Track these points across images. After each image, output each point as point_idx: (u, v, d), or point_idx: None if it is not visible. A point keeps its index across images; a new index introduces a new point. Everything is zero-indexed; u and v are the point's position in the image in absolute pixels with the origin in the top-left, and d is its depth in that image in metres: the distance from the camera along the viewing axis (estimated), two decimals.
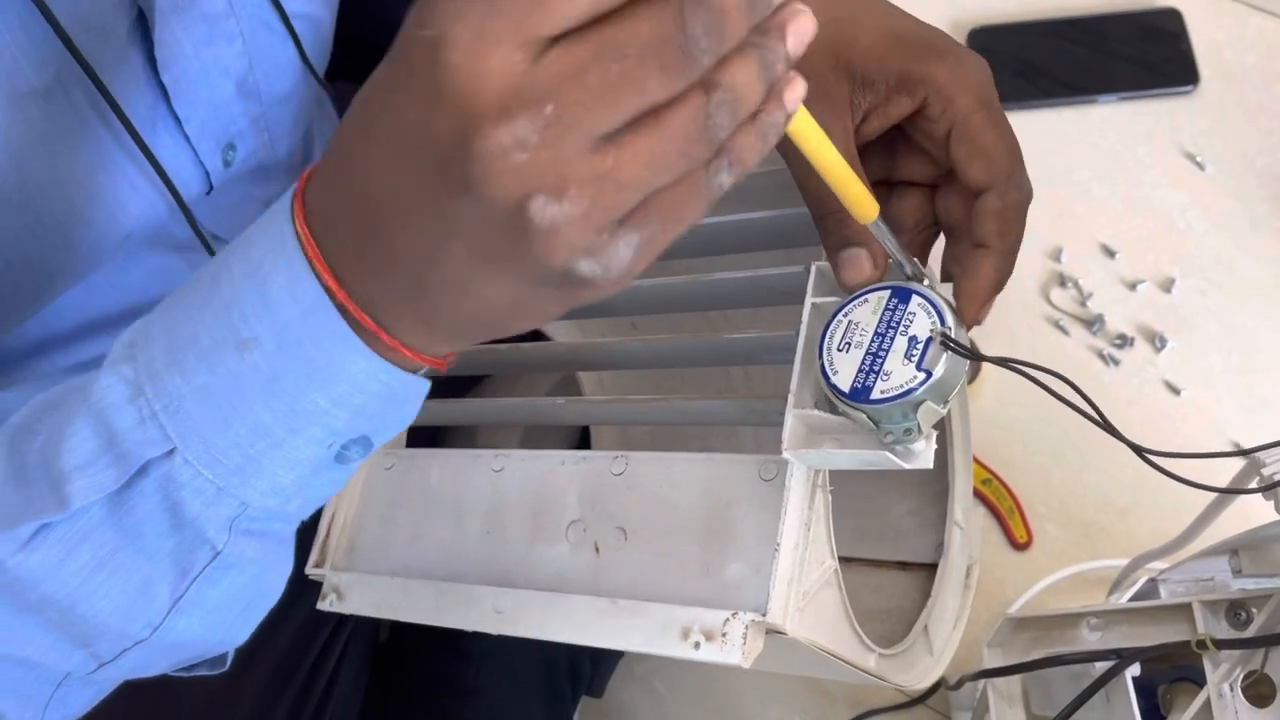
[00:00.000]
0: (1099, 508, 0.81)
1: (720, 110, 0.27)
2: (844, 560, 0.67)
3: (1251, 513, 0.55)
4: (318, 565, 0.55)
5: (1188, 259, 0.87)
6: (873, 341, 0.40)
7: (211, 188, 0.53)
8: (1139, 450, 0.40)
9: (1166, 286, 0.87)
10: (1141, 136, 0.92)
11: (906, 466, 0.39)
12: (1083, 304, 0.87)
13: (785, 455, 0.41)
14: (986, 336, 0.85)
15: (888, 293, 0.41)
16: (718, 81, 0.27)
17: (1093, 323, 0.86)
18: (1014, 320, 0.87)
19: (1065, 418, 0.78)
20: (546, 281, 0.29)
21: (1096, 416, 0.40)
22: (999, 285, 0.42)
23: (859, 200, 0.36)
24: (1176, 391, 0.83)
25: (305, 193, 0.33)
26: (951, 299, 0.41)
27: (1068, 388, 0.40)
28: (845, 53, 0.43)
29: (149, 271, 0.54)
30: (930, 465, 0.39)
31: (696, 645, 0.42)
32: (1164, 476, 0.42)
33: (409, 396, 0.35)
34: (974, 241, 0.42)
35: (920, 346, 0.39)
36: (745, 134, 0.29)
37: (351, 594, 0.53)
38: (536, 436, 0.77)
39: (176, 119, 0.49)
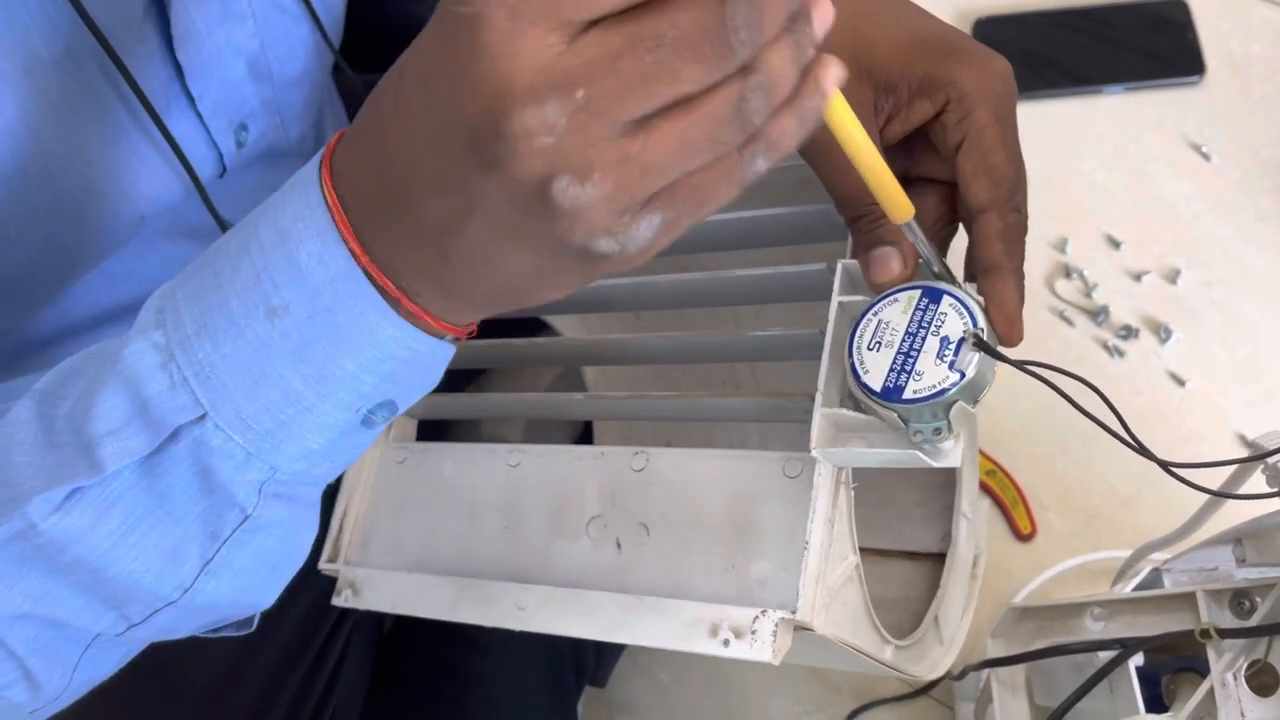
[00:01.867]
0: (1103, 498, 0.81)
1: (756, 95, 0.27)
2: None
3: (1255, 505, 0.55)
4: (331, 560, 0.55)
5: (1193, 250, 0.88)
6: (904, 341, 0.40)
7: (225, 169, 0.53)
8: (1165, 466, 0.40)
9: (1172, 277, 0.87)
10: (1147, 127, 0.92)
11: (935, 465, 0.40)
12: (1088, 295, 0.87)
13: (813, 453, 0.41)
14: None
15: (918, 293, 0.41)
16: (754, 67, 0.27)
17: (1098, 314, 0.86)
18: None
19: (1069, 409, 0.78)
20: (565, 255, 0.30)
21: (1127, 436, 0.40)
22: (1022, 300, 0.42)
23: (896, 200, 0.36)
24: (1181, 383, 0.83)
25: (333, 158, 0.33)
26: (981, 299, 0.41)
27: (1098, 399, 0.40)
28: (866, 56, 0.43)
29: (166, 260, 0.53)
30: (958, 463, 0.39)
31: (725, 643, 0.42)
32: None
33: (435, 362, 0.36)
34: (985, 266, 0.42)
35: (953, 347, 0.39)
36: (784, 118, 0.29)
37: (367, 590, 0.53)
38: (540, 428, 0.77)
39: (190, 97, 0.49)
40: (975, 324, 0.39)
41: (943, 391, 0.38)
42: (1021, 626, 0.64)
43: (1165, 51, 0.92)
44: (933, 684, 0.77)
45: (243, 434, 0.34)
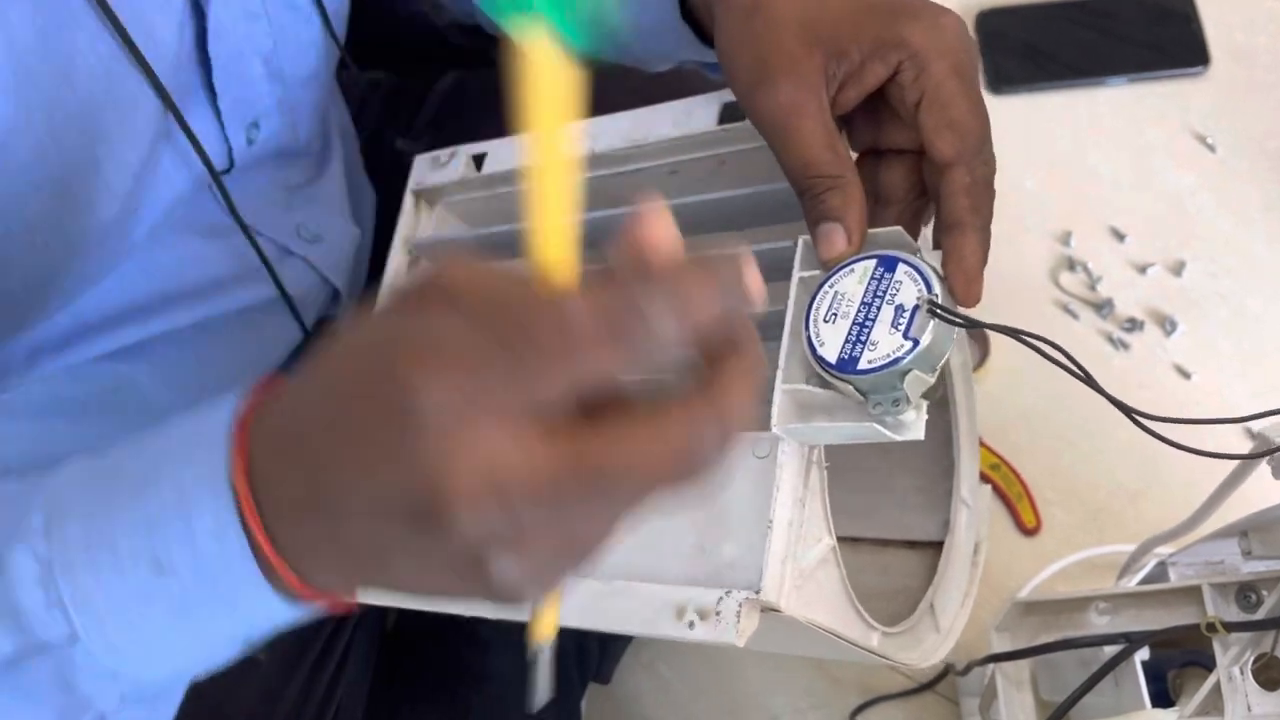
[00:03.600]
0: (1108, 492, 0.80)
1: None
2: (850, 541, 0.66)
3: (1261, 496, 0.54)
4: None
5: (1198, 242, 0.87)
6: (859, 312, 0.39)
7: (232, 165, 0.53)
8: (1129, 411, 0.39)
9: (1176, 270, 0.86)
10: (1151, 119, 0.92)
11: (896, 438, 0.39)
12: (1092, 288, 0.87)
13: (775, 431, 0.41)
14: (993, 320, 0.85)
15: (874, 262, 0.40)
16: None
17: (1102, 307, 0.86)
18: (1022, 304, 0.87)
19: (1073, 402, 0.77)
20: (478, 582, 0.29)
21: (1099, 387, 0.40)
22: (985, 260, 0.41)
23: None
24: (1187, 375, 0.83)
25: (251, 433, 0.31)
26: (938, 267, 0.41)
27: (1062, 355, 0.39)
28: (816, 23, 0.42)
29: (178, 257, 0.54)
30: (921, 436, 0.39)
31: (691, 625, 0.41)
32: (1172, 462, 0.41)
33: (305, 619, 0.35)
34: (949, 222, 0.41)
35: (907, 315, 0.39)
36: None
37: None
38: None
39: (213, 93, 0.49)
40: (930, 291, 0.39)
41: (897, 360, 0.38)
42: (1026, 621, 0.63)
43: (1168, 43, 0.91)
44: (937, 680, 0.76)
45: (112, 660, 0.34)
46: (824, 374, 0.40)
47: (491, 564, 0.27)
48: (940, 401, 0.62)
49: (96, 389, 0.55)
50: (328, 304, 0.66)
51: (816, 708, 0.78)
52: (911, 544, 0.65)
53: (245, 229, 0.54)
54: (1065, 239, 0.89)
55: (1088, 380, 0.39)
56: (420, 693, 0.76)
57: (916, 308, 0.39)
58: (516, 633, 0.68)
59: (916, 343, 0.38)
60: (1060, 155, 0.92)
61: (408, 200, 0.61)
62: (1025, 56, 0.94)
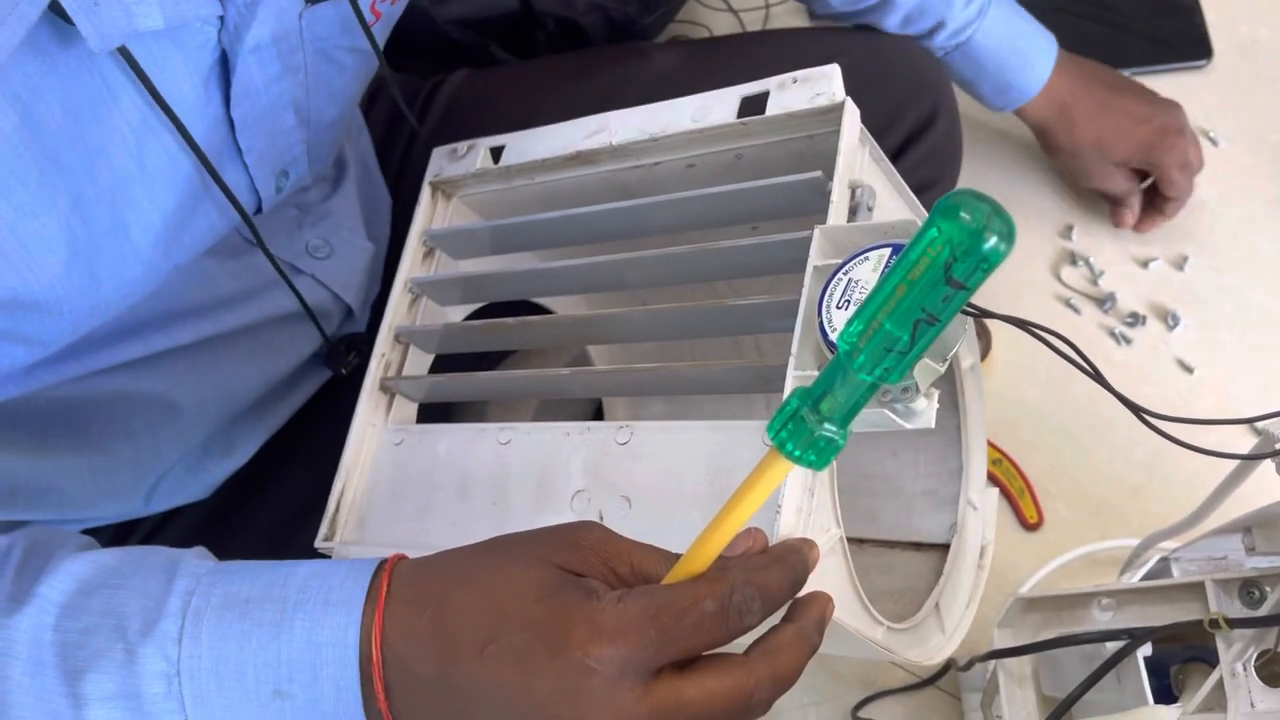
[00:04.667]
0: (1110, 487, 0.80)
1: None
2: (857, 541, 0.66)
3: (1264, 492, 0.54)
4: (327, 539, 0.55)
5: (1201, 236, 0.87)
6: None
7: (260, 210, 0.55)
8: (1138, 411, 0.39)
9: (1179, 264, 0.86)
10: None
11: (908, 426, 0.39)
12: (1094, 282, 0.87)
13: None
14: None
15: (889, 250, 0.40)
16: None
17: (1104, 301, 0.85)
18: (1024, 299, 0.87)
19: (1076, 397, 0.77)
20: None
21: (1107, 384, 0.39)
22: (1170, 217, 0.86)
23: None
24: (1190, 370, 0.82)
25: (386, 609, 0.37)
26: None
27: (1071, 350, 0.39)
28: (1112, 155, 0.83)
29: (188, 277, 0.54)
30: (932, 424, 0.39)
31: None
32: (1176, 456, 0.41)
33: None
34: (1161, 212, 0.85)
35: None
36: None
37: None
38: (549, 415, 0.77)
39: (238, 150, 0.50)
40: None
41: None
42: (1028, 617, 0.63)
43: (1171, 36, 0.91)
44: (939, 675, 0.76)
45: None
46: None
47: None
48: (950, 404, 0.62)
49: (100, 397, 0.55)
50: (341, 318, 0.66)
51: (818, 703, 0.78)
52: (917, 545, 0.65)
53: (269, 253, 0.55)
54: (1067, 233, 0.89)
55: (1096, 377, 0.39)
56: None
57: None
58: None
59: None
60: None
61: (425, 191, 0.60)
62: None
